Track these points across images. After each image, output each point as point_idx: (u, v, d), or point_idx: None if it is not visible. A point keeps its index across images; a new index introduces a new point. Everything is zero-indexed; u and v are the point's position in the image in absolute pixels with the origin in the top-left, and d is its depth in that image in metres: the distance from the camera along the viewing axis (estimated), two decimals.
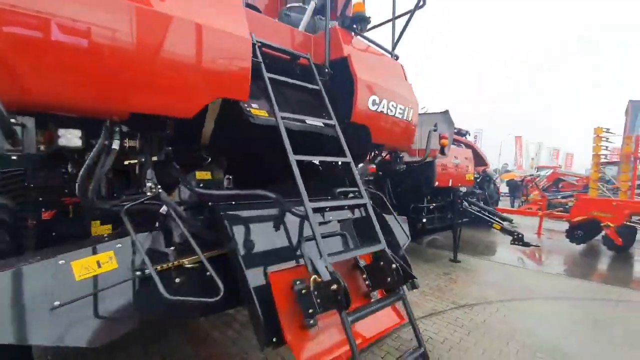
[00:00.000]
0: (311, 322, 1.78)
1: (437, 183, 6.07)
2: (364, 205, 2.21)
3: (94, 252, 1.70)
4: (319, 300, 1.81)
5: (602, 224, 6.78)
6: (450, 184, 6.44)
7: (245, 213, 2.01)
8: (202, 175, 2.33)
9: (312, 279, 1.64)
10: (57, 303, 1.52)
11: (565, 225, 7.91)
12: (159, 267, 1.85)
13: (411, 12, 3.23)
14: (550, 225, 10.50)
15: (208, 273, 2.02)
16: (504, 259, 6.82)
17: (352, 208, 2.41)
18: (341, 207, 2.36)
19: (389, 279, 2.03)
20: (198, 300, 1.66)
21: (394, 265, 2.00)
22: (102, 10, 1.43)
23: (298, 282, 1.86)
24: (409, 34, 3.40)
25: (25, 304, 1.45)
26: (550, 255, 7.38)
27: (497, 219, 6.52)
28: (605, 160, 10.38)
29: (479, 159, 7.53)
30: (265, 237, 1.99)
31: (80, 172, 1.64)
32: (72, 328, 1.55)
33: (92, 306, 1.62)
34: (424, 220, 6.08)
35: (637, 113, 13.61)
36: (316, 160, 2.28)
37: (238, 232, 1.91)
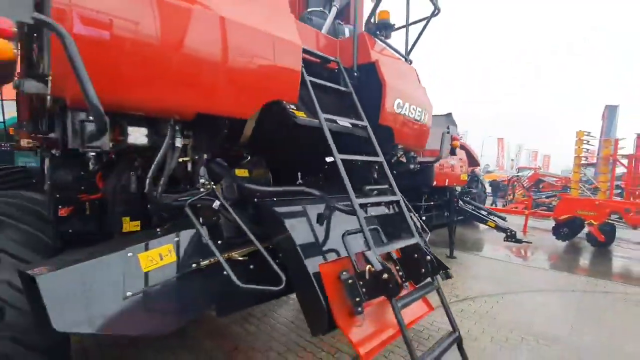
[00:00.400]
0: (359, 309, 1.92)
1: (435, 182, 6.31)
2: (397, 201, 2.37)
3: (156, 246, 1.78)
4: (364, 290, 1.95)
5: (586, 222, 7.21)
6: (446, 184, 6.70)
7: (292, 209, 2.12)
8: (241, 172, 2.42)
9: (367, 268, 1.77)
10: (129, 293, 1.60)
11: (547, 224, 8.35)
12: (211, 260, 1.94)
13: (427, 20, 3.40)
14: (533, 223, 11.01)
15: (252, 266, 2.14)
16: (495, 255, 7.16)
17: (387, 204, 2.56)
18: (378, 203, 2.50)
19: (423, 270, 2.18)
20: (265, 288, 1.77)
21: (428, 257, 2.16)
22: (186, 23, 1.52)
23: (344, 273, 1.99)
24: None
25: (102, 294, 1.53)
26: (537, 251, 7.78)
27: (492, 217, 6.84)
28: (585, 162, 10.98)
29: (471, 159, 7.86)
30: (311, 231, 2.11)
31: (151, 169, 1.71)
32: (143, 317, 1.63)
33: (160, 296, 1.70)
34: (423, 218, 6.31)
35: (612, 117, 14.44)
36: (357, 159, 2.41)
37: (290, 226, 2.02)
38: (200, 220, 2.19)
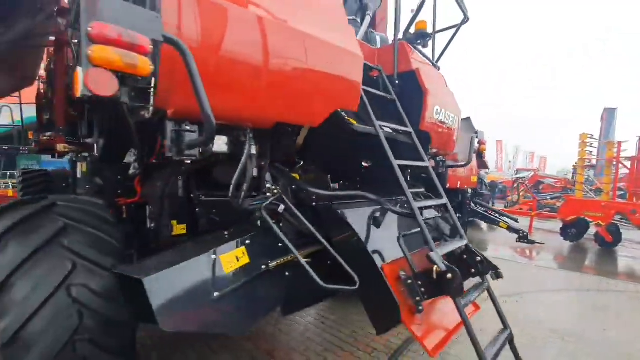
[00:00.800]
0: (420, 308, 2.01)
1: (448, 185, 6.45)
2: (445, 205, 2.47)
3: (233, 248, 1.87)
4: (422, 289, 2.05)
5: (593, 223, 7.40)
6: (458, 186, 6.85)
7: (353, 212, 2.21)
8: (295, 177, 2.51)
9: (434, 268, 1.86)
10: (216, 294, 1.68)
11: (550, 225, 8.52)
12: (280, 261, 2.03)
13: (457, 27, 3.53)
14: (536, 224, 11.21)
15: (306, 265, 2.22)
16: (503, 256, 7.31)
17: (437, 208, 2.67)
18: (429, 207, 2.61)
19: (473, 270, 2.29)
20: (343, 288, 1.85)
21: (478, 258, 2.27)
22: (280, 41, 1.62)
23: (403, 273, 2.09)
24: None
25: (195, 294, 1.61)
26: (542, 251, 7.95)
27: (504, 219, 6.99)
28: (588, 164, 11.23)
29: (481, 162, 8.02)
30: (370, 233, 2.20)
31: (235, 176, 1.79)
32: (228, 316, 1.71)
33: (240, 296, 1.78)
34: None
35: (611, 120, 14.77)
36: (410, 164, 2.51)
37: (358, 228, 2.11)
38: (259, 223, 2.28)
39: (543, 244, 7.20)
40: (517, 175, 20.22)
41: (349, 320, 3.93)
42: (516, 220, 7.06)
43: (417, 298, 2.02)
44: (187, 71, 1.25)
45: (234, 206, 1.85)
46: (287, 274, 2.17)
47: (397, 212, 2.23)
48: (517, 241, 6.62)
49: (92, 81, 1.04)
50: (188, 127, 1.56)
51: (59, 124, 3.68)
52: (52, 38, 3.87)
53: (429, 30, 3.31)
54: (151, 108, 1.49)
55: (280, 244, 2.20)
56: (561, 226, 8.20)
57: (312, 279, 2.00)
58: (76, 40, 2.77)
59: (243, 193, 1.82)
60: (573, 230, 7.98)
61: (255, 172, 2.12)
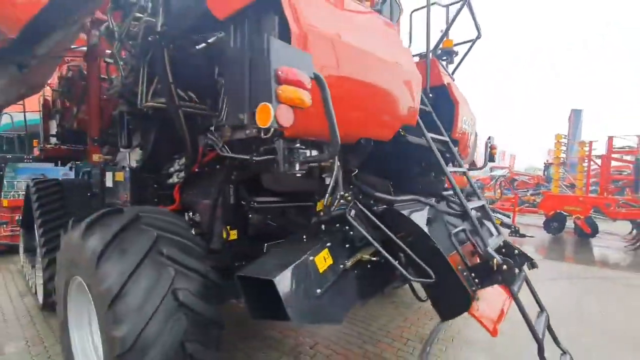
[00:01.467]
0: (476, 296, 2.31)
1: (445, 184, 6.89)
2: (483, 205, 2.80)
3: (320, 250, 2.08)
4: (476, 280, 2.35)
5: (573, 216, 8.12)
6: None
7: (414, 215, 2.47)
8: None
9: (494, 260, 2.16)
10: (318, 291, 1.89)
11: (528, 219, 9.19)
12: (352, 260, 2.26)
13: (472, 43, 3.88)
14: (517, 219, 12.01)
15: (369, 265, 2.47)
16: None
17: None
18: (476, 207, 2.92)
19: (512, 262, 2.62)
20: (423, 280, 2.10)
21: (516, 251, 2.61)
22: (378, 70, 1.85)
23: (459, 266, 2.38)
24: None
25: (306, 291, 1.82)
26: (526, 244, 8.59)
27: (496, 215, 7.51)
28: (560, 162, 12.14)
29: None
30: (432, 231, 2.46)
31: (330, 186, 1.99)
32: (327, 309, 1.93)
33: (333, 293, 2.00)
34: None
35: (578, 120, 16.00)
36: (459, 170, 2.81)
37: (427, 228, 2.37)
38: (323, 227, 2.50)
39: (533, 236, 7.82)
40: (493, 173, 21.32)
41: (375, 315, 4.20)
42: (508, 216, 7.61)
43: (473, 288, 2.32)
44: (323, 100, 1.46)
45: (323, 213, 2.06)
46: (355, 271, 2.40)
47: (451, 212, 2.52)
48: (509, 235, 7.15)
49: (280, 116, 1.23)
50: (297, 145, 1.77)
51: (93, 134, 3.71)
52: (83, 48, 3.88)
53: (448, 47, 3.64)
54: (272, 130, 1.69)
55: (347, 245, 2.45)
56: (544, 220, 8.90)
57: (380, 273, 2.26)
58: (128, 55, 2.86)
59: (336, 201, 2.04)
60: (555, 223, 8.69)
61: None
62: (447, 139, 2.98)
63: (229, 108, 1.90)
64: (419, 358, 3.28)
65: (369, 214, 2.26)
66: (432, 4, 3.62)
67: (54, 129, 5.33)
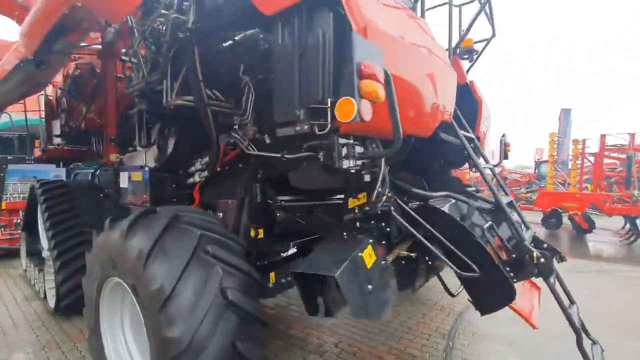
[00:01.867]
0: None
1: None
2: (511, 201, 2.85)
3: (365, 247, 2.09)
4: (511, 274, 2.39)
5: (570, 213, 8.33)
6: None
7: (456, 209, 2.50)
8: None
9: (534, 254, 2.20)
10: (370, 287, 1.90)
11: (525, 216, 9.42)
12: (396, 253, 2.28)
13: (487, 42, 3.94)
14: None
15: (403, 261, 2.49)
16: None
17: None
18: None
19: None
20: (469, 275, 2.11)
21: (545, 245, 2.66)
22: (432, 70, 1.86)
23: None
24: None
25: (360, 287, 1.82)
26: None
27: None
28: (544, 160, 12.42)
29: None
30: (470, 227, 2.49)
31: (379, 181, 1.99)
32: (376, 304, 1.94)
33: (379, 288, 2.00)
34: None
35: (568, 119, 16.42)
36: (489, 167, 2.85)
37: (467, 224, 2.40)
38: (358, 225, 2.51)
39: (535, 232, 7.99)
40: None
41: (394, 312, 4.22)
42: None
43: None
44: (388, 95, 1.47)
45: (369, 208, 2.06)
46: (393, 267, 2.42)
47: (485, 208, 2.56)
48: None
49: (363, 110, 1.23)
50: (351, 141, 1.77)
51: (110, 133, 3.63)
52: (97, 46, 3.80)
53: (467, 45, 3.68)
54: (329, 125, 1.69)
55: (383, 242, 2.45)
56: (542, 217, 9.11)
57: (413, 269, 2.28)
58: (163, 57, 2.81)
59: (383, 197, 2.04)
60: (553, 220, 8.90)
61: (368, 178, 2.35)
62: (473, 136, 3.02)
63: (279, 105, 1.88)
64: (444, 353, 3.32)
65: (408, 209, 2.27)
66: (444, 4, 3.68)
67: (57, 129, 5.18)
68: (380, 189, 2.03)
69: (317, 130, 1.72)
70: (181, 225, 2.12)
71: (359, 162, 1.84)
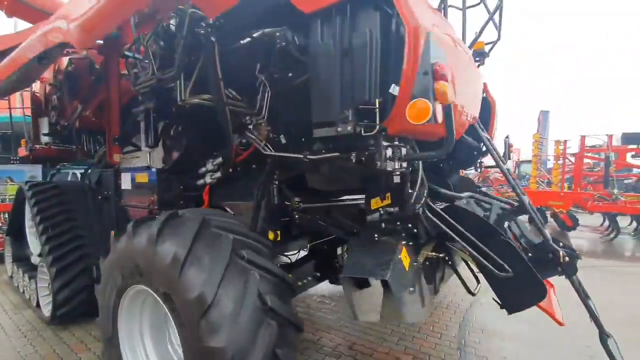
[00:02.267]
0: None
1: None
2: (527, 201, 2.91)
3: (401, 249, 2.07)
4: None
5: (556, 211, 8.66)
6: None
7: (477, 211, 2.52)
8: None
9: (561, 254, 2.25)
10: (412, 289, 1.88)
11: None
12: (425, 254, 2.28)
13: (492, 44, 4.02)
14: None
15: (427, 262, 2.50)
16: None
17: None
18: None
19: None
20: (505, 274, 2.12)
21: (560, 243, 2.74)
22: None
23: None
24: None
25: (404, 288, 1.80)
26: None
27: None
28: (524, 160, 12.88)
29: None
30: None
31: (418, 184, 1.97)
32: (414, 306, 1.93)
33: (417, 289, 2.00)
34: None
35: (546, 121, 17.05)
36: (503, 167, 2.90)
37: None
38: (383, 225, 2.49)
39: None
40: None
41: None
42: None
43: None
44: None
45: (404, 211, 2.05)
46: (421, 267, 2.42)
47: (505, 208, 2.60)
48: None
49: (437, 111, 1.20)
50: (396, 142, 1.75)
51: (114, 133, 3.46)
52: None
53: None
54: (377, 126, 1.66)
55: (411, 243, 2.45)
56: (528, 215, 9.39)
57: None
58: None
59: (422, 198, 2.03)
60: None
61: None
62: (487, 135, 3.07)
63: (319, 105, 1.84)
64: (458, 351, 3.37)
65: (439, 210, 2.28)
66: (450, 6, 3.72)
67: (46, 128, 4.89)
68: (418, 191, 2.02)
69: (362, 132, 1.69)
70: (212, 229, 2.04)
71: (404, 164, 1.82)
